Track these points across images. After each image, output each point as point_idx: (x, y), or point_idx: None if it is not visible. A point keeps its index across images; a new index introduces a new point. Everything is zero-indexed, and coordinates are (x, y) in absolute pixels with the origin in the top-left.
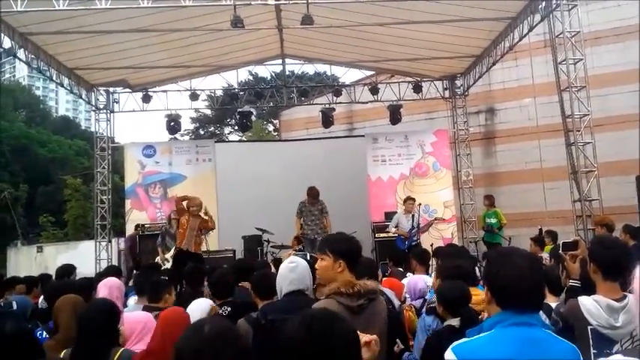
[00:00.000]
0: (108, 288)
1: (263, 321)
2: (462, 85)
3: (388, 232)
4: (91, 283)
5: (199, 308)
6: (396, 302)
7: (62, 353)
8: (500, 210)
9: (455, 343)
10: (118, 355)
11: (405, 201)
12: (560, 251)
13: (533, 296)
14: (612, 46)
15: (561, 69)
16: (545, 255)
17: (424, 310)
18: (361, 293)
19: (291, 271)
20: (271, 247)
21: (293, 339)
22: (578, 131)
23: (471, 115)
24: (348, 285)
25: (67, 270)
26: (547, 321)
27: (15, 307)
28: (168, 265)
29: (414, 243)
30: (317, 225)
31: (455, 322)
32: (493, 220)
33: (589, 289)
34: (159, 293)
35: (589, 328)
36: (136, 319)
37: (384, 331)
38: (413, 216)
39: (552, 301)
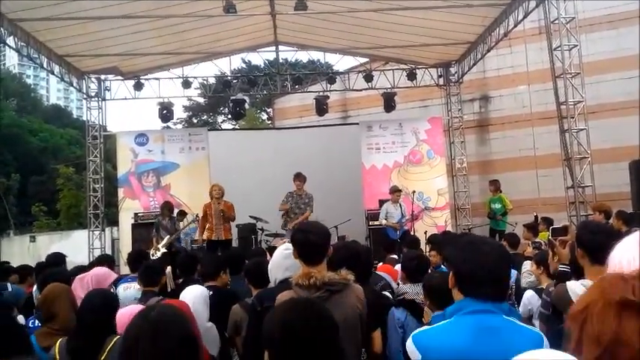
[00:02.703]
0: (80, 280)
1: (259, 308)
2: (456, 72)
3: (380, 223)
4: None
5: (192, 294)
6: (394, 285)
7: (57, 343)
8: (505, 195)
9: (415, 332)
10: (112, 343)
11: (392, 192)
12: (550, 237)
13: (495, 286)
14: (605, 33)
15: (556, 55)
16: (541, 241)
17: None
18: (317, 285)
19: (287, 258)
20: (265, 235)
21: (276, 326)
22: (572, 118)
23: (465, 102)
24: (304, 277)
25: (58, 258)
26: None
27: (10, 289)
28: (158, 255)
29: (404, 230)
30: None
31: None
32: (498, 206)
33: (579, 273)
34: (155, 278)
35: None
36: (124, 313)
37: (354, 322)
38: (400, 205)
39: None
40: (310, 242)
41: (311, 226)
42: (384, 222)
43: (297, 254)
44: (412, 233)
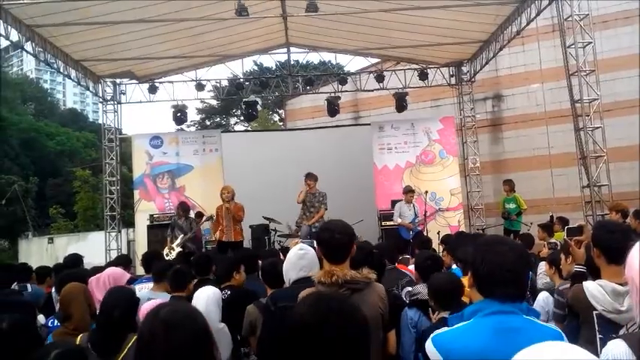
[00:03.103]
0: (96, 280)
1: (272, 307)
2: (468, 71)
3: (394, 221)
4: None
5: (204, 295)
6: None
7: (78, 338)
8: (519, 195)
9: (435, 333)
10: (132, 341)
11: (406, 192)
12: (565, 237)
13: (515, 287)
14: (620, 30)
15: (570, 53)
16: (556, 241)
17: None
18: (340, 283)
19: (301, 258)
20: (278, 236)
21: (301, 320)
22: (587, 116)
23: (478, 101)
24: (327, 275)
25: (76, 260)
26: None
27: (30, 289)
28: (173, 255)
29: (417, 231)
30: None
31: (446, 314)
32: (512, 206)
33: (595, 273)
34: (185, 282)
35: (594, 313)
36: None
37: (375, 321)
38: (413, 206)
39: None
40: (336, 241)
41: (336, 225)
42: (398, 220)
43: (322, 252)
44: (425, 234)
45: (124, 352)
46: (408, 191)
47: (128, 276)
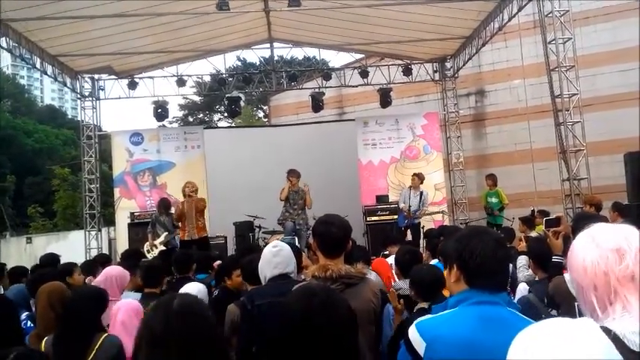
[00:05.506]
0: (105, 276)
1: (249, 306)
2: (451, 67)
3: (380, 215)
4: (71, 268)
5: (191, 291)
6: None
7: (43, 342)
8: (502, 190)
9: (418, 320)
10: (101, 340)
11: (412, 177)
12: (543, 228)
13: (502, 276)
14: (601, 26)
15: (550, 49)
16: (535, 234)
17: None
18: (334, 278)
19: (275, 256)
20: (262, 232)
21: (295, 312)
22: (567, 111)
23: (461, 97)
24: (321, 269)
25: (52, 259)
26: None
27: (1, 291)
28: (155, 252)
29: (414, 222)
30: (299, 215)
31: (426, 305)
32: (494, 200)
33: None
34: (157, 279)
35: (575, 304)
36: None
37: (367, 316)
38: (421, 193)
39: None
40: (332, 235)
41: (333, 218)
42: (402, 205)
43: (317, 246)
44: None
45: (93, 353)
46: (413, 175)
47: (123, 273)
